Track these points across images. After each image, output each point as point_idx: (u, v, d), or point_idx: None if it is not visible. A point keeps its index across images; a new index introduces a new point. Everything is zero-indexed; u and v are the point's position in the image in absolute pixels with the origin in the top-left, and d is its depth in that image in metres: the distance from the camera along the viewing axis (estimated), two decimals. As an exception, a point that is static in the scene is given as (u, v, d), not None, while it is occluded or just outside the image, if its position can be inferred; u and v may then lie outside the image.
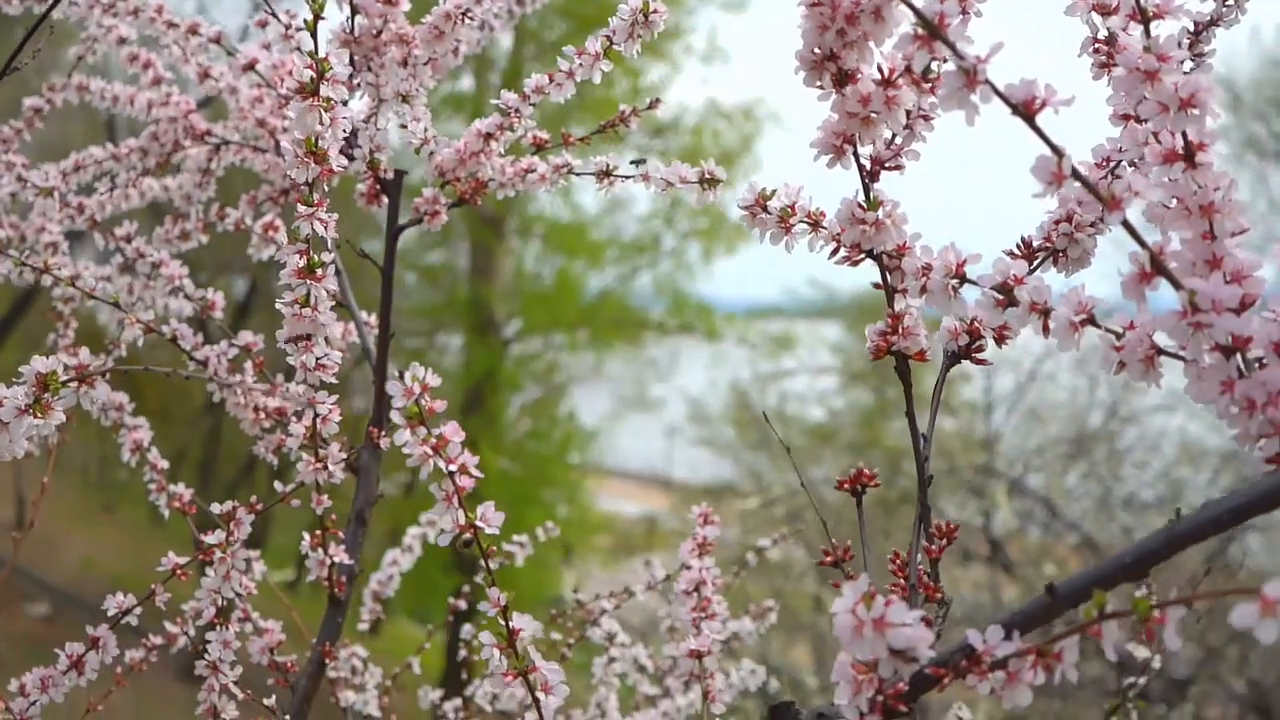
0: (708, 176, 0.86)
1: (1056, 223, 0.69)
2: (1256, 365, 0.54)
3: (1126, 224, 0.52)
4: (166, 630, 1.11)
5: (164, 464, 1.10)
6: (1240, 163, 9.27)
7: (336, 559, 0.98)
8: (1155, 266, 0.52)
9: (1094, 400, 7.47)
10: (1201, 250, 0.54)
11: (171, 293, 1.11)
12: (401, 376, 0.62)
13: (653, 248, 11.91)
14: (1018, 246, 0.70)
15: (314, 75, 0.72)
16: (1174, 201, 0.56)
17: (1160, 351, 0.55)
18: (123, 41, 1.20)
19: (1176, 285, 0.52)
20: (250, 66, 1.05)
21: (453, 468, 0.63)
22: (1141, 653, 1.11)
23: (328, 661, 1.00)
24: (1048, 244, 0.69)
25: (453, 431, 0.64)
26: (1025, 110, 0.51)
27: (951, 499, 7.17)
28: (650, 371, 12.44)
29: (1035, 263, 0.69)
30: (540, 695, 0.66)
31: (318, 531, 0.97)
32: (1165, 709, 5.35)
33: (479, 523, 0.64)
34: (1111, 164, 0.69)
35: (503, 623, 0.66)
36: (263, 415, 1.02)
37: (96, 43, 1.27)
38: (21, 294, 7.57)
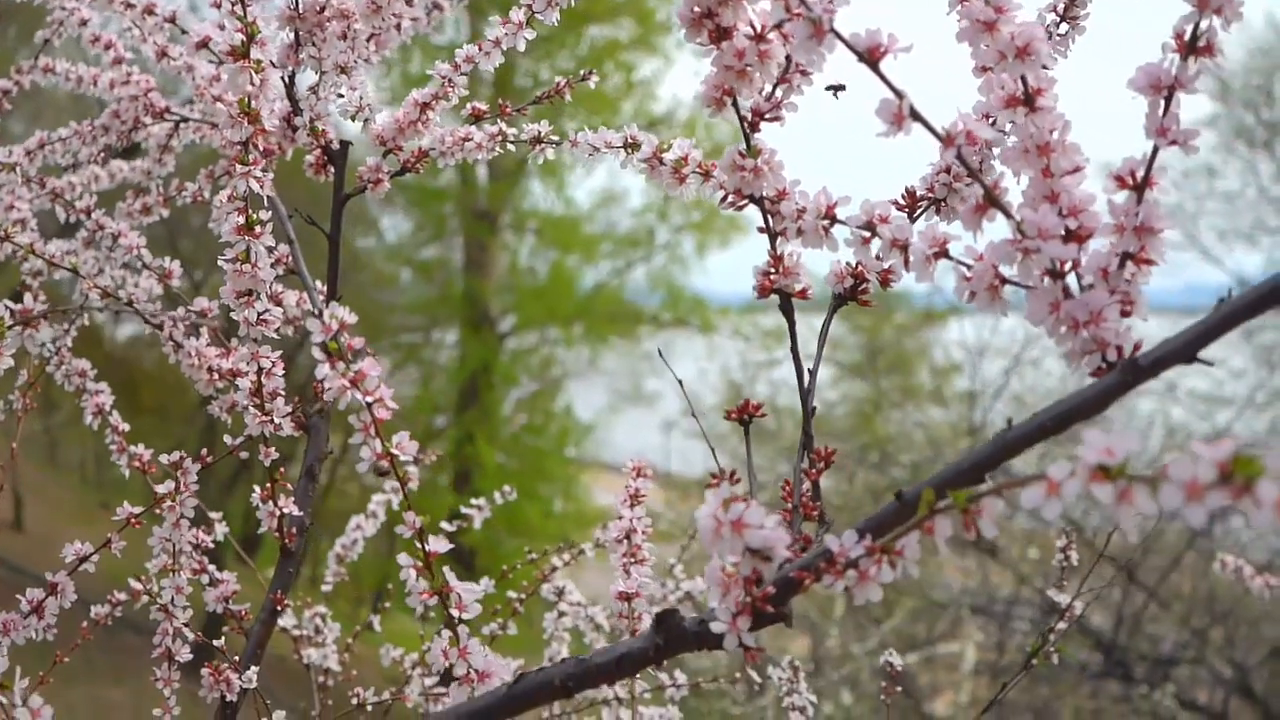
0: (630, 141, 0.91)
1: (938, 173, 0.74)
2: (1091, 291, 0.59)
3: (960, 159, 0.57)
4: (131, 588, 1.16)
5: (125, 426, 1.15)
6: (1230, 151, 9.31)
7: (286, 511, 1.03)
8: (989, 199, 0.57)
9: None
10: (1041, 187, 0.59)
11: (127, 264, 1.15)
12: (320, 316, 0.67)
13: (647, 242, 11.96)
14: (902, 196, 0.75)
15: (244, 39, 0.77)
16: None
17: (1004, 280, 0.60)
18: (84, 23, 1.24)
19: (1008, 215, 0.57)
20: (204, 44, 1.09)
21: (370, 399, 0.68)
22: (1062, 598, 1.16)
23: (279, 609, 1.05)
24: (930, 193, 0.74)
25: (370, 366, 0.68)
26: (870, 57, 0.56)
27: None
28: (645, 365, 12.50)
29: (918, 210, 0.74)
30: (455, 613, 0.71)
31: (268, 484, 1.02)
32: (1148, 689, 5.41)
33: (395, 450, 0.69)
34: (990, 118, 0.74)
35: (419, 545, 0.71)
36: (216, 376, 1.07)
37: (62, 26, 1.32)
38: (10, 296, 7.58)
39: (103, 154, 1.27)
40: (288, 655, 1.59)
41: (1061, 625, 1.12)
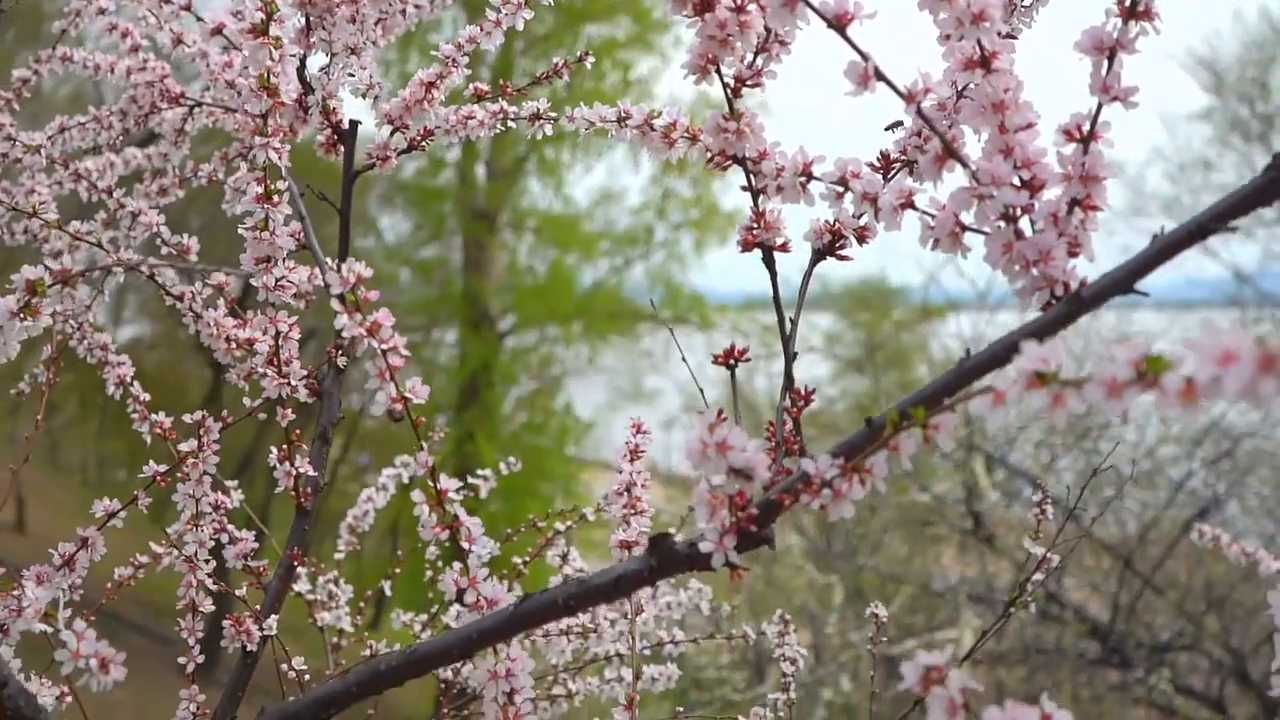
0: (623, 116, 0.96)
1: (909, 136, 0.80)
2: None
3: (921, 115, 0.63)
4: (154, 551, 1.21)
5: (146, 396, 1.20)
6: (1225, 144, 9.37)
7: (302, 471, 1.08)
8: (947, 151, 0.63)
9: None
10: (997, 142, 0.65)
11: (149, 240, 1.21)
12: (339, 269, 0.73)
13: (645, 239, 12.03)
14: (877, 159, 0.80)
15: (264, 17, 0.83)
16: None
17: (964, 227, 0.66)
18: (102, 12, 1.30)
19: (965, 165, 0.62)
20: (218, 30, 1.15)
21: (385, 347, 0.74)
22: (1037, 550, 1.21)
23: (295, 565, 1.10)
24: (903, 156, 0.80)
25: (384, 316, 0.74)
26: (838, 23, 0.62)
27: (944, 482, 7.32)
28: (644, 363, 12.55)
29: (892, 172, 0.80)
30: (465, 545, 0.76)
31: (285, 446, 1.07)
32: (1144, 673, 5.47)
33: (408, 394, 0.75)
34: (958, 86, 0.80)
35: (431, 484, 0.77)
36: (233, 345, 1.13)
37: (79, 16, 1.38)
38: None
39: (120, 140, 1.33)
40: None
41: (1038, 576, 1.18)
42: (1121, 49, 0.63)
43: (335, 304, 0.73)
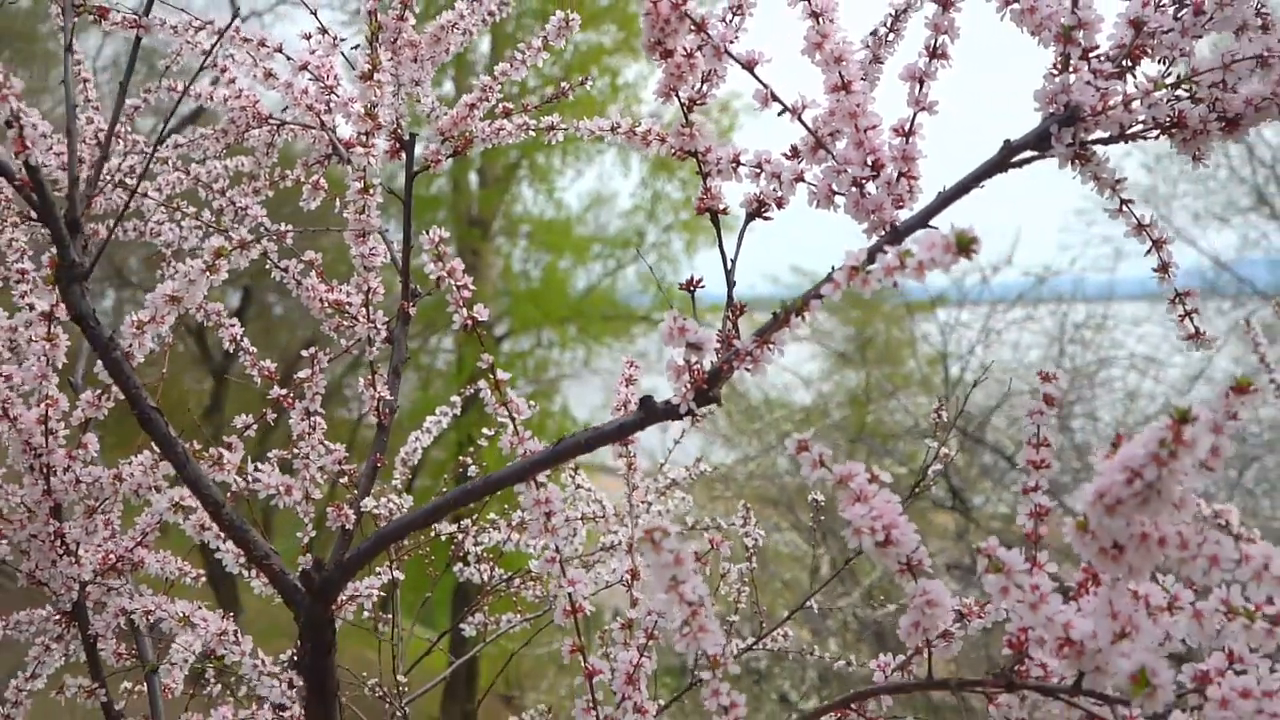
0: (614, 125, 1.34)
1: (805, 136, 1.17)
2: (884, 196, 1.02)
3: (800, 122, 1.00)
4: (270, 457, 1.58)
5: (253, 349, 1.57)
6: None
7: (382, 394, 1.45)
8: (818, 143, 1.01)
9: (1060, 363, 8.01)
10: (854, 137, 1.02)
11: (254, 230, 1.58)
12: (427, 233, 1.10)
13: (637, 242, 12.40)
14: (790, 149, 1.18)
15: (370, 67, 1.20)
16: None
17: (834, 192, 1.03)
18: (205, 53, 1.67)
19: (829, 152, 1.00)
20: (304, 66, 1.53)
21: (459, 283, 1.11)
22: (933, 445, 1.57)
23: (379, 466, 1.47)
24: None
25: (458, 263, 1.11)
26: (747, 66, 0.99)
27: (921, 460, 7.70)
28: (640, 364, 12.86)
29: (798, 158, 1.17)
30: (515, 416, 1.14)
31: (368, 375, 1.45)
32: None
33: (476, 315, 1.12)
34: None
35: (492, 375, 1.14)
36: (324, 304, 1.50)
37: (180, 55, 1.75)
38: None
39: (223, 152, 1.70)
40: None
41: (937, 466, 1.54)
42: (928, 78, 1.00)
43: (424, 255, 1.10)
